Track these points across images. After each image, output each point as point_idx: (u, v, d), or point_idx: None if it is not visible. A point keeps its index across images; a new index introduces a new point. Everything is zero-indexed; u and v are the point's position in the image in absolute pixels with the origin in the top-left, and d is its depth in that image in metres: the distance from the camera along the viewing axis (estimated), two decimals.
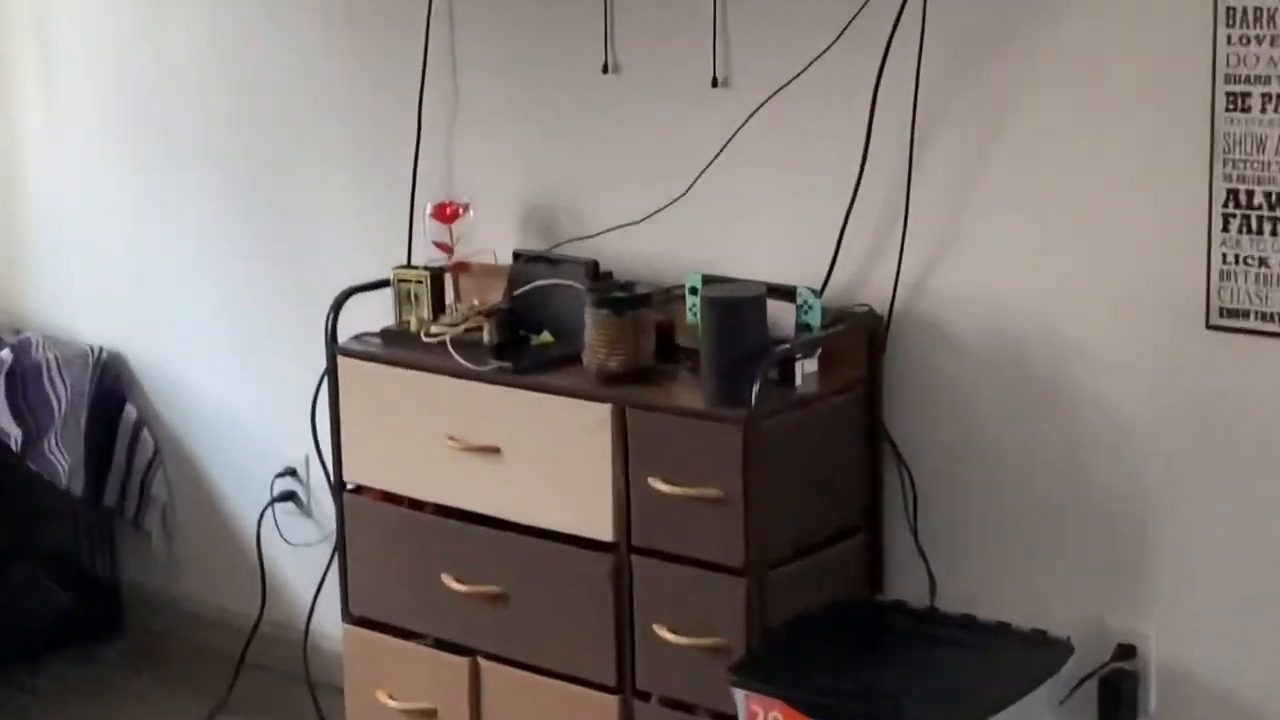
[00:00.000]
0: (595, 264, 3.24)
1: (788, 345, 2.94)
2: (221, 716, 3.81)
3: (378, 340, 3.35)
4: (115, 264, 4.29)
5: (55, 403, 4.07)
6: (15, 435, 3.98)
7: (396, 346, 3.31)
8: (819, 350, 3.01)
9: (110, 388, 4.25)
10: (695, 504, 2.88)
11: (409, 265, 3.43)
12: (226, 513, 4.16)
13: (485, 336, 3.17)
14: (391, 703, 3.33)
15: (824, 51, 3.01)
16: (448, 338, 3.18)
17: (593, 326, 3.00)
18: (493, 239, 3.43)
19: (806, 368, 2.98)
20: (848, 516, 3.07)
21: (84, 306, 4.36)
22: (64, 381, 4.10)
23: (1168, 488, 2.84)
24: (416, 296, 3.35)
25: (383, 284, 3.42)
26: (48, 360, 4.10)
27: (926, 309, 3.04)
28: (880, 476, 3.10)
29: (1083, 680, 2.89)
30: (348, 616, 3.43)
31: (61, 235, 4.40)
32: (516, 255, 3.38)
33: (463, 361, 3.12)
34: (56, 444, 4.06)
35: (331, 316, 3.37)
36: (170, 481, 4.25)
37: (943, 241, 3.00)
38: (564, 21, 3.41)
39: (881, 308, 3.06)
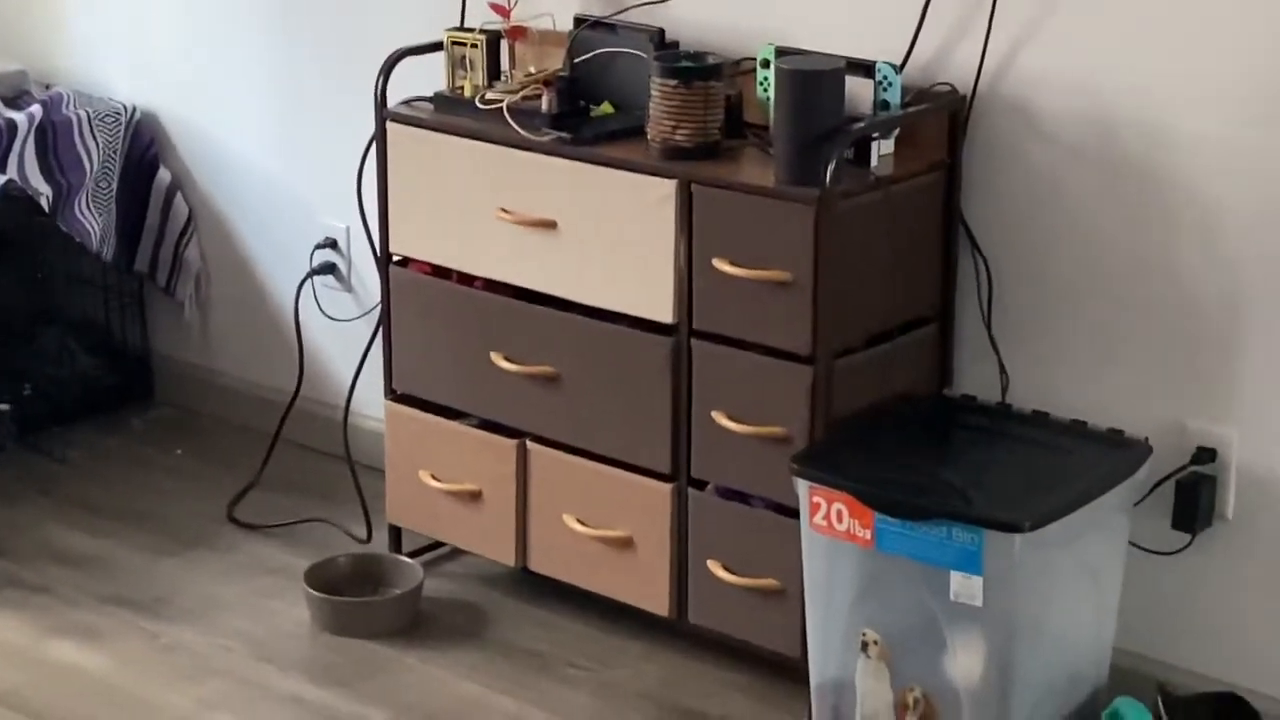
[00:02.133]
0: (661, 32, 3.16)
1: (864, 123, 2.87)
2: (255, 492, 3.79)
3: (429, 106, 3.29)
4: (152, 17, 4.19)
5: (87, 162, 4.01)
6: (46, 194, 3.92)
7: (449, 113, 3.25)
8: (897, 130, 2.95)
9: (144, 149, 4.18)
10: (762, 287, 2.85)
11: (463, 28, 3.34)
12: (263, 284, 4.13)
13: (543, 105, 3.10)
14: (434, 483, 3.35)
15: None
16: (505, 104, 3.11)
17: (658, 97, 2.94)
18: (553, 3, 3.33)
19: (883, 148, 2.93)
20: (920, 306, 3.04)
21: (117, 62, 4.26)
22: (95, 140, 4.03)
23: (1262, 289, 2.80)
24: (471, 62, 3.28)
25: (436, 46, 3.34)
26: (79, 117, 4.02)
27: (1014, 91, 2.96)
28: (955, 266, 3.07)
29: (1160, 482, 2.88)
30: (390, 394, 3.43)
31: None
32: (578, 21, 3.28)
33: (520, 130, 3.07)
34: (88, 205, 4.02)
35: (382, 79, 3.31)
36: (205, 250, 4.21)
37: (1035, 16, 2.91)
38: None
39: (965, 87, 2.99)
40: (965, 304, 3.08)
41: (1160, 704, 2.78)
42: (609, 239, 3.02)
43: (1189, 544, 2.88)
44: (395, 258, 3.36)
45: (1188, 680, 2.90)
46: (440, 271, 3.29)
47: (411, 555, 3.47)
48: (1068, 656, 2.82)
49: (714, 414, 2.94)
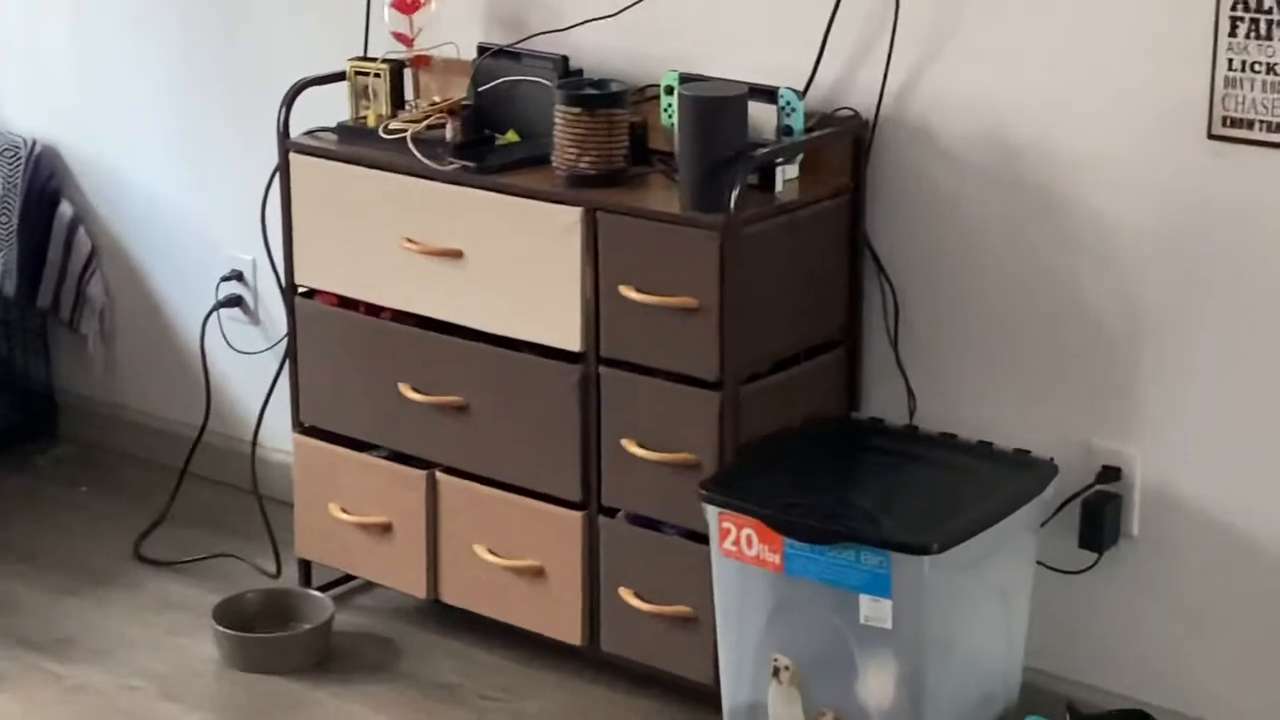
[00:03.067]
0: (565, 59, 3.18)
1: (768, 149, 2.89)
2: (163, 528, 3.77)
3: (333, 136, 3.30)
4: (51, 49, 4.17)
5: None
6: None
7: (353, 143, 3.26)
8: (801, 155, 2.97)
9: (44, 183, 4.15)
10: (668, 314, 2.87)
11: (366, 57, 3.34)
12: (168, 318, 4.12)
13: (448, 134, 3.11)
14: (344, 516, 3.35)
15: None
16: (408, 134, 3.11)
17: (562, 125, 2.96)
18: (456, 31, 3.34)
19: (788, 173, 2.97)
20: (827, 330, 3.07)
21: (15, 94, 4.26)
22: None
23: (1162, 305, 2.83)
24: (375, 91, 3.29)
25: (339, 77, 3.34)
26: None
27: (916, 114, 3.00)
28: (861, 289, 3.10)
29: (1066, 502, 2.92)
30: (298, 426, 3.43)
31: None
32: (481, 49, 3.30)
33: (424, 159, 3.08)
34: None
35: (284, 110, 3.31)
36: (109, 284, 4.20)
37: (935, 42, 2.95)
38: None
39: (867, 112, 3.02)
40: (872, 327, 3.11)
41: None
42: (516, 268, 3.03)
43: (1096, 562, 2.92)
44: (301, 289, 3.35)
45: (1096, 698, 2.93)
46: (346, 303, 3.29)
47: (322, 589, 3.46)
48: (979, 676, 2.85)
49: (623, 441, 2.95)
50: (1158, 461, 2.88)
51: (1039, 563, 2.91)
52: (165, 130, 4.00)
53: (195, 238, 3.98)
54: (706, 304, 2.81)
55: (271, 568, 3.59)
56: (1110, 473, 2.90)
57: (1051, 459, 2.84)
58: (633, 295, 2.87)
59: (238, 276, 3.89)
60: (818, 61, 3.02)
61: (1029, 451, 2.86)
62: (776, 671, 2.76)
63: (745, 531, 2.71)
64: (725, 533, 2.73)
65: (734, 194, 2.74)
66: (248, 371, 3.85)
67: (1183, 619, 2.89)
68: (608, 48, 3.23)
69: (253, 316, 3.91)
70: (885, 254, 3.06)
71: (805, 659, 2.75)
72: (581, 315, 2.97)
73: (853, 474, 2.94)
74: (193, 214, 3.98)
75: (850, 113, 3.02)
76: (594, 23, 3.21)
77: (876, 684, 2.69)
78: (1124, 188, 2.82)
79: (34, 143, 4.13)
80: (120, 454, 4.21)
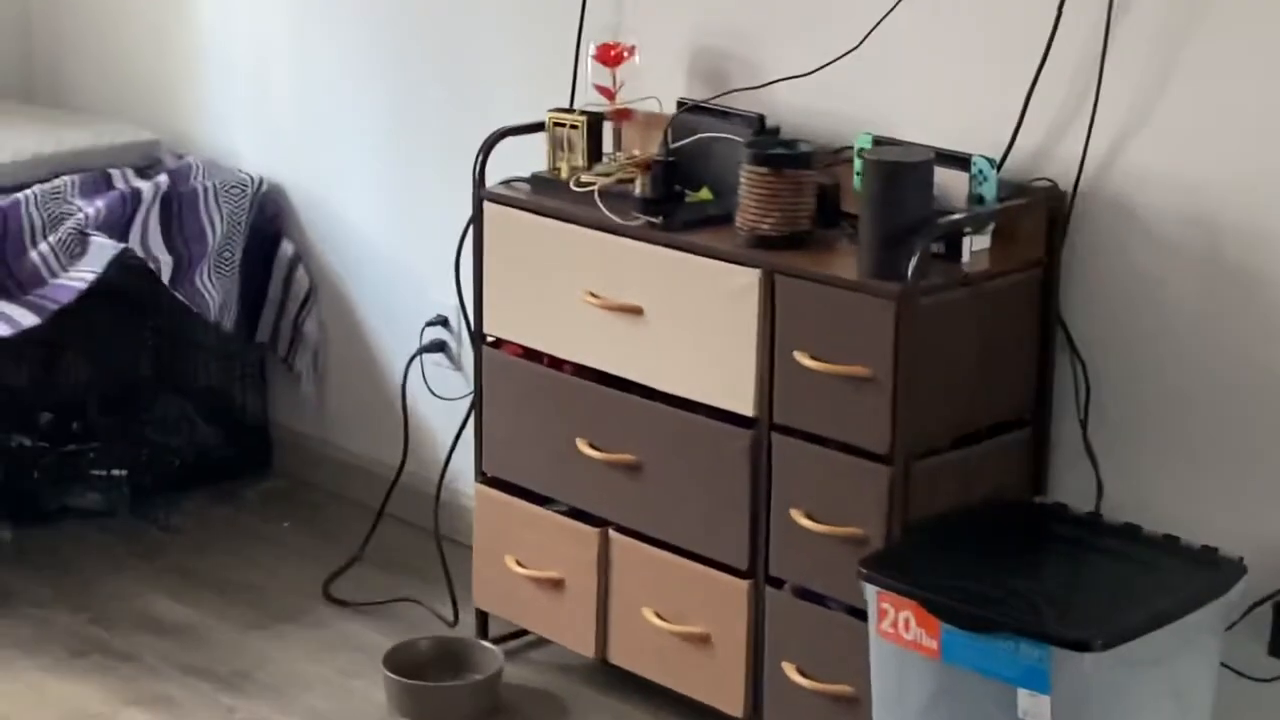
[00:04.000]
0: (762, 118, 3.15)
1: (955, 217, 2.81)
2: (356, 568, 3.81)
3: (526, 186, 3.31)
4: (278, 91, 4.27)
5: (210, 232, 4.08)
6: (166, 262, 3.99)
7: (545, 194, 3.26)
8: (992, 225, 2.89)
9: (268, 221, 4.26)
10: (842, 382, 2.80)
11: (567, 109, 3.34)
12: (377, 359, 4.18)
13: (637, 189, 3.09)
14: (519, 569, 3.34)
15: None
16: (597, 187, 3.10)
17: (747, 185, 2.93)
18: (659, 86, 3.33)
19: (976, 244, 2.87)
20: (1012, 408, 2.97)
21: (247, 134, 4.36)
22: (220, 211, 4.10)
23: None
24: (571, 143, 3.29)
25: (538, 127, 3.35)
26: (206, 188, 4.10)
27: (1116, 189, 2.88)
28: (1052, 367, 2.99)
29: (1257, 604, 2.75)
30: (481, 476, 3.44)
31: (231, 58, 4.36)
32: (680, 104, 3.29)
33: (608, 214, 3.07)
34: (209, 275, 4.09)
35: (480, 158, 3.34)
36: (324, 322, 4.26)
37: (1138, 115, 2.84)
38: None
39: (1066, 184, 2.92)
40: (1062, 408, 3.00)
41: None
42: (693, 328, 3.00)
43: None
44: (489, 338, 3.36)
45: None
46: (531, 354, 3.29)
47: (497, 641, 3.45)
48: None
49: (793, 511, 2.89)
50: None
51: (1225, 666, 2.73)
52: (381, 175, 4.07)
53: (405, 281, 4.03)
54: (880, 374, 2.74)
55: (450, 615, 3.58)
56: None
57: (1241, 558, 2.67)
58: (807, 362, 2.82)
59: (443, 322, 3.92)
60: (1016, 130, 2.93)
61: (1217, 549, 2.70)
62: None
63: (904, 614, 2.61)
64: (883, 613, 2.64)
65: (913, 262, 2.66)
66: (448, 417, 3.85)
67: None
68: (806, 107, 3.19)
69: (455, 362, 3.94)
70: (1079, 332, 2.94)
71: None
72: (755, 379, 2.92)
73: (1026, 561, 2.80)
74: (403, 257, 4.03)
75: (1048, 184, 2.92)
76: (795, 81, 3.15)
77: None
78: None
79: (260, 180, 4.23)
80: (326, 491, 4.28)
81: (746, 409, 2.94)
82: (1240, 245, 2.76)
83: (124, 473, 4.12)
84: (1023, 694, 2.51)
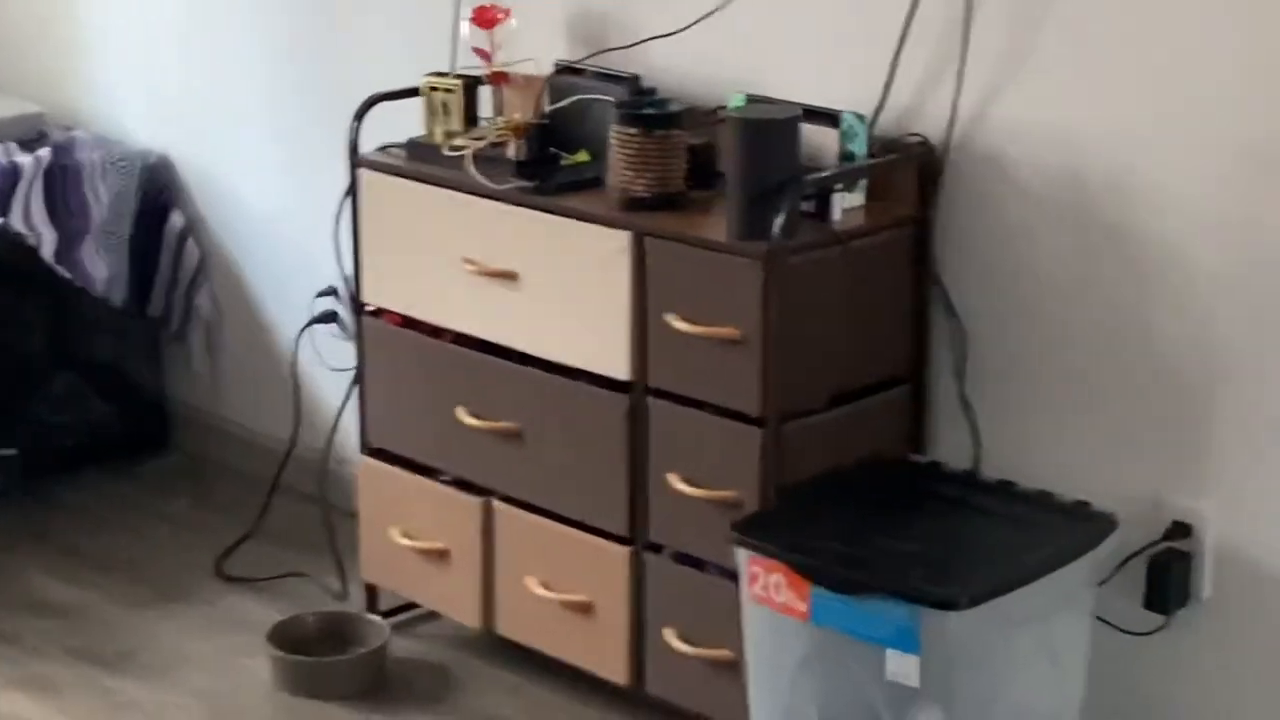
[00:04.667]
0: (637, 79, 3.14)
1: (823, 174, 2.80)
2: (250, 543, 3.79)
3: (402, 152, 3.28)
4: (166, 63, 4.23)
5: (95, 206, 4.05)
6: (49, 238, 3.96)
7: (420, 160, 3.23)
8: (864, 183, 2.87)
9: (158, 194, 4.21)
10: (714, 345, 2.80)
11: (443, 74, 3.31)
12: (270, 331, 4.16)
13: (511, 152, 3.07)
14: (406, 541, 3.33)
15: None
16: (469, 152, 3.08)
17: (617, 146, 2.91)
18: (538, 48, 3.29)
19: (848, 201, 2.86)
20: (889, 367, 2.96)
21: (135, 105, 4.31)
22: (106, 184, 4.07)
23: (1243, 354, 2.66)
24: (447, 107, 3.25)
25: (413, 92, 3.31)
26: (91, 162, 4.07)
27: (987, 143, 2.87)
28: (928, 325, 2.98)
29: (1129, 558, 2.76)
30: (365, 448, 3.42)
31: (118, 30, 4.29)
32: (557, 66, 3.26)
33: (481, 178, 3.05)
34: (95, 250, 4.04)
35: (355, 126, 3.32)
36: (216, 296, 4.23)
37: (1008, 68, 2.82)
38: None
39: (938, 140, 2.90)
40: (939, 365, 2.99)
41: None
42: (568, 292, 2.99)
43: (1163, 625, 2.76)
44: (368, 308, 3.34)
45: None
46: (411, 323, 3.27)
47: (386, 614, 3.45)
48: None
49: (669, 476, 2.89)
50: (1233, 519, 2.71)
51: (1102, 620, 2.75)
52: (268, 145, 4.05)
53: (295, 251, 4.00)
54: (749, 336, 2.73)
55: (339, 589, 3.57)
56: (1180, 529, 2.73)
57: (1113, 513, 2.67)
58: (679, 325, 2.81)
59: (333, 293, 3.87)
60: (887, 86, 2.91)
61: (1089, 504, 2.70)
62: None
63: (774, 577, 2.60)
64: (754, 577, 2.64)
65: (779, 221, 2.65)
66: (340, 387, 3.81)
67: (1256, 690, 2.73)
68: (683, 68, 3.17)
69: (347, 332, 3.88)
70: (955, 289, 2.93)
71: (833, 712, 2.62)
72: (630, 344, 2.91)
73: (899, 520, 2.77)
74: (292, 228, 4.00)
75: (919, 139, 2.91)
76: (671, 43, 3.11)
77: None
78: (1208, 228, 2.66)
79: (149, 153, 4.18)
80: (222, 466, 4.25)
81: (622, 373, 2.93)
82: (1109, 199, 2.75)
83: (13, 451, 4.07)
84: (891, 654, 2.50)
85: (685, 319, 2.79)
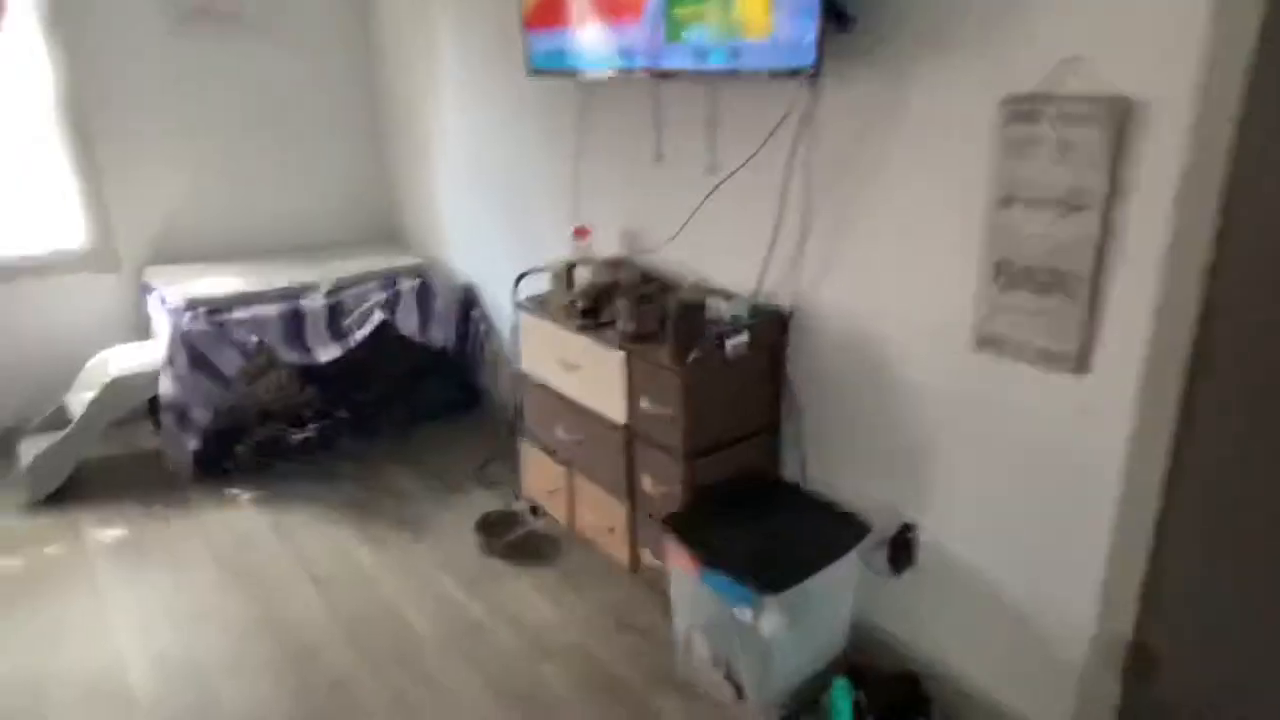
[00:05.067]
0: (642, 270, 2.42)
1: (718, 329, 2.08)
2: (495, 462, 3.17)
3: (532, 303, 2.63)
4: (469, 234, 3.61)
5: (438, 306, 3.51)
6: (412, 324, 3.44)
7: (540, 306, 2.59)
8: (744, 332, 2.15)
9: (468, 300, 3.65)
10: (661, 417, 2.10)
11: (557, 260, 2.65)
12: (503, 356, 3.51)
13: (578, 305, 2.40)
14: (539, 484, 2.72)
15: (754, 155, 2.13)
16: (557, 305, 2.44)
17: (622, 307, 2.23)
18: (608, 245, 2.64)
19: (737, 340, 2.14)
20: (758, 424, 2.25)
21: (458, 256, 3.71)
22: (443, 297, 3.54)
23: (944, 436, 1.93)
24: (559, 277, 2.60)
25: (543, 269, 2.66)
26: (438, 285, 3.53)
27: (813, 310, 2.15)
28: (780, 403, 2.25)
29: (882, 542, 2.01)
30: (523, 437, 2.79)
31: (451, 215, 3.67)
32: (610, 258, 2.57)
33: (560, 319, 2.41)
34: (437, 327, 3.49)
35: (515, 286, 2.69)
36: (492, 348, 3.62)
37: (822, 273, 2.10)
38: (635, 134, 2.52)
39: (788, 306, 2.18)
40: (788, 424, 2.25)
41: (850, 680, 1.94)
42: (598, 379, 2.34)
43: (896, 577, 1.98)
44: (524, 370, 2.69)
45: (885, 661, 2.06)
46: (542, 386, 2.60)
47: (534, 511, 2.81)
48: (813, 644, 1.99)
49: (644, 476, 2.22)
50: (936, 522, 1.96)
51: (868, 569, 1.99)
52: (501, 277, 3.37)
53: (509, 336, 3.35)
54: (677, 415, 2.05)
55: (517, 496, 2.96)
56: (908, 527, 1.98)
57: (868, 519, 1.93)
58: (645, 405, 2.16)
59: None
60: (761, 278, 2.20)
61: (856, 513, 1.96)
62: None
63: (682, 553, 1.93)
64: (673, 551, 1.98)
65: (692, 355, 1.97)
66: None
67: (940, 615, 1.95)
68: (671, 260, 2.46)
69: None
70: (796, 384, 2.20)
71: (712, 626, 1.94)
72: (626, 407, 2.26)
73: (757, 512, 2.10)
74: (508, 322, 3.32)
75: (777, 307, 2.17)
76: (667, 247, 2.43)
77: (746, 651, 1.86)
78: (926, 369, 1.92)
79: (464, 281, 3.62)
80: (496, 423, 3.60)
81: (621, 420, 2.28)
82: (875, 345, 2.01)
83: (406, 412, 3.53)
84: (738, 609, 1.82)
85: (650, 401, 2.11)
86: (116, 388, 3.02)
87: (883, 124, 1.84)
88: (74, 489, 2.99)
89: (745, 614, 1.82)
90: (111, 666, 2.11)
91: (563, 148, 2.81)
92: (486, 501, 2.93)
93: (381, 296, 3.37)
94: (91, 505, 2.91)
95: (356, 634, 2.27)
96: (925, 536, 1.98)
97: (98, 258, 3.45)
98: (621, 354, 2.22)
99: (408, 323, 3.41)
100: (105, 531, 2.74)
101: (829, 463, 2.17)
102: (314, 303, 3.25)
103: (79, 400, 3.11)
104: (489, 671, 2.14)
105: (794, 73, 1.78)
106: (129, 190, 3.46)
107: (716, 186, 2.22)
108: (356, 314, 3.32)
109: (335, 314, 3.29)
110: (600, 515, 2.46)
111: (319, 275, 3.40)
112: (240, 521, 2.81)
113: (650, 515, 2.26)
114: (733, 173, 2.17)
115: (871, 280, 1.98)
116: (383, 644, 2.23)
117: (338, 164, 3.90)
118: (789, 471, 2.25)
